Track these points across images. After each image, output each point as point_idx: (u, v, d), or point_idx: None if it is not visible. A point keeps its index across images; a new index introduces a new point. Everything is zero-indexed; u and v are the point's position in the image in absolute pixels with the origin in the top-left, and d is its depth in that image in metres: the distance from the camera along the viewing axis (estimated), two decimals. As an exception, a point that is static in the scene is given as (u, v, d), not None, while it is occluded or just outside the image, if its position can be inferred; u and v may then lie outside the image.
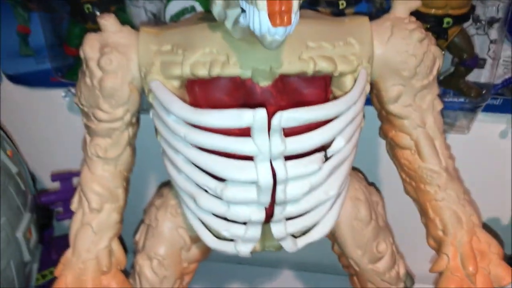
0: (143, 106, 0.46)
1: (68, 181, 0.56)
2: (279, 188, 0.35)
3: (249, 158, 0.35)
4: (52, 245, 0.58)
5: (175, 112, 0.36)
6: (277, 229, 0.38)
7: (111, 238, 0.43)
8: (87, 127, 0.42)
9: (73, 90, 0.56)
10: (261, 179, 0.34)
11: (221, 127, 0.34)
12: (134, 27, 0.40)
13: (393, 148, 0.44)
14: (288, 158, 0.35)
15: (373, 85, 0.41)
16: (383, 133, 0.44)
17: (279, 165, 0.35)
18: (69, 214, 0.55)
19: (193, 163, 0.37)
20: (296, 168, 0.35)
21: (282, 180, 0.35)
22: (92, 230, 0.42)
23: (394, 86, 0.40)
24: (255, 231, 0.38)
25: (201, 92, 0.40)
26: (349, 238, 0.45)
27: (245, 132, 0.35)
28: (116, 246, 0.43)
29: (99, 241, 0.42)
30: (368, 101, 0.41)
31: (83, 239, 0.42)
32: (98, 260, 0.42)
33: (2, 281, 0.42)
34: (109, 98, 0.39)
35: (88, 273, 0.42)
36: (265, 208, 0.37)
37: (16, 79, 0.57)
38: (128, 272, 0.46)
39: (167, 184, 0.47)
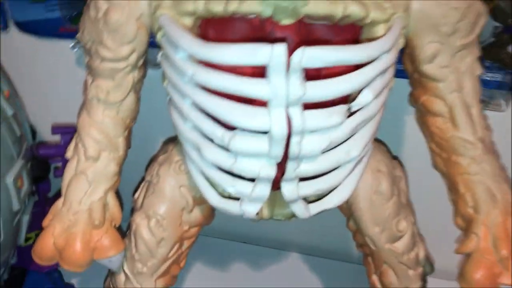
0: (151, 59, 0.43)
1: (69, 135, 0.52)
2: (293, 140, 0.31)
3: (262, 104, 0.31)
4: (47, 204, 0.55)
5: (184, 46, 0.32)
6: (288, 189, 0.34)
7: (107, 190, 0.39)
8: (88, 66, 0.38)
9: (82, 41, 0.53)
10: (274, 128, 0.30)
11: (232, 63, 0.30)
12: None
13: (423, 115, 0.39)
14: (306, 107, 0.31)
15: (407, 42, 0.37)
16: (413, 99, 0.40)
17: (295, 112, 0.30)
18: (68, 171, 0.52)
19: (200, 109, 0.34)
20: (315, 119, 0.31)
21: (298, 131, 0.31)
22: (86, 179, 0.38)
23: (431, 44, 0.36)
24: (264, 189, 0.34)
25: (214, 34, 0.36)
26: (367, 212, 0.41)
27: (259, 74, 0.31)
28: (112, 200, 0.40)
29: (93, 192, 0.38)
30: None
31: (76, 189, 0.38)
32: (90, 212, 0.38)
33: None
34: (113, 33, 0.35)
35: (78, 225, 0.38)
36: (277, 165, 0.33)
37: (25, 26, 0.54)
38: (124, 232, 0.42)
39: (172, 140, 0.44)
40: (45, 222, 0.39)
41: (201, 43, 0.31)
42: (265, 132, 0.32)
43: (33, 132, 0.53)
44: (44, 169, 0.49)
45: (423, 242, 0.44)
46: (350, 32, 0.35)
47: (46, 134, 0.56)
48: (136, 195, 0.43)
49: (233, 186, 0.34)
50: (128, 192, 0.47)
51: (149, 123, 0.50)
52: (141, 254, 0.41)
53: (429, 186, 0.46)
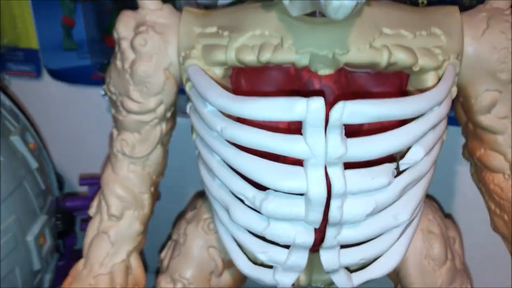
0: (181, 107, 0.40)
1: (97, 187, 0.50)
2: (334, 204, 0.28)
3: (298, 162, 0.28)
4: (73, 258, 0.52)
5: (212, 100, 0.29)
6: (327, 257, 0.30)
7: (130, 251, 0.36)
8: (115, 119, 0.36)
9: (113, 89, 0.52)
10: (312, 190, 0.27)
11: (265, 118, 0.27)
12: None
13: (480, 171, 0.35)
14: (348, 166, 0.28)
15: (459, 91, 0.33)
16: (468, 152, 0.36)
17: (336, 173, 0.27)
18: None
19: (229, 166, 0.31)
20: (358, 180, 0.27)
21: (338, 194, 0.27)
22: (108, 240, 0.36)
23: (488, 92, 0.32)
24: (300, 258, 0.30)
25: (247, 85, 0.33)
26: (417, 280, 0.36)
27: (295, 128, 0.28)
28: (135, 262, 0.37)
29: (116, 253, 0.36)
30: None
31: (98, 250, 0.36)
32: (112, 276, 0.35)
33: (5, 286, 0.36)
34: (140, 85, 0.33)
35: (99, 290, 0.35)
36: (315, 230, 0.29)
37: (57, 74, 0.54)
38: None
39: (202, 194, 0.41)
40: (64, 285, 0.36)
41: (231, 97, 0.29)
42: (302, 194, 0.28)
43: (60, 183, 0.51)
44: (69, 223, 0.47)
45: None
46: (396, 81, 0.32)
47: (74, 184, 0.54)
48: (163, 254, 0.40)
49: (264, 252, 0.31)
50: (155, 247, 0.44)
51: (179, 174, 0.47)
52: (167, 321, 0.37)
53: (487, 248, 0.41)
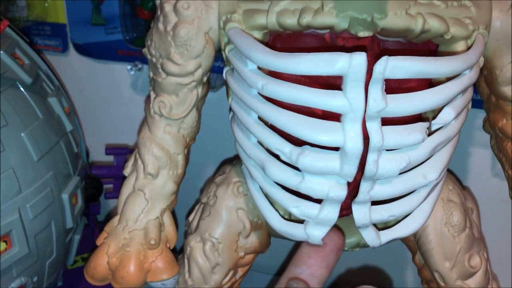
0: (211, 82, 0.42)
1: (123, 157, 0.52)
2: (370, 157, 0.29)
3: (335, 119, 0.29)
4: (96, 227, 0.54)
5: (255, 57, 0.31)
6: (359, 212, 0.32)
7: (164, 210, 0.38)
8: (153, 81, 0.37)
9: (139, 64, 0.53)
10: (349, 143, 0.28)
11: (307, 72, 0.29)
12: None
13: (501, 141, 0.37)
14: (384, 123, 0.29)
15: (484, 63, 0.35)
16: (490, 124, 0.38)
17: (374, 127, 0.28)
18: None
19: (266, 124, 0.32)
20: (395, 135, 0.29)
21: (376, 147, 0.29)
22: (144, 197, 0.37)
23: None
24: (332, 212, 0.31)
25: (283, 50, 0.35)
26: (437, 245, 0.38)
27: (333, 85, 0.29)
28: (168, 220, 0.38)
29: (150, 210, 0.37)
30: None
31: (133, 206, 0.37)
32: (146, 231, 0.37)
33: (40, 242, 0.37)
34: (181, 48, 0.35)
35: (133, 245, 0.36)
36: (348, 185, 0.31)
37: (83, 49, 0.55)
38: (177, 255, 0.41)
39: (229, 161, 0.42)
40: (99, 240, 0.37)
41: (274, 53, 0.30)
42: (337, 149, 0.30)
43: (86, 153, 0.52)
44: (98, 188, 0.48)
45: (496, 280, 0.41)
46: (426, 50, 0.34)
47: (98, 155, 0.56)
48: (191, 217, 0.41)
49: (297, 207, 0.32)
50: (181, 215, 0.45)
51: (203, 146, 0.49)
52: (194, 280, 0.39)
53: (501, 220, 0.43)
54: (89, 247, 0.52)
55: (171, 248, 0.38)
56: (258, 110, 0.32)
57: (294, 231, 0.34)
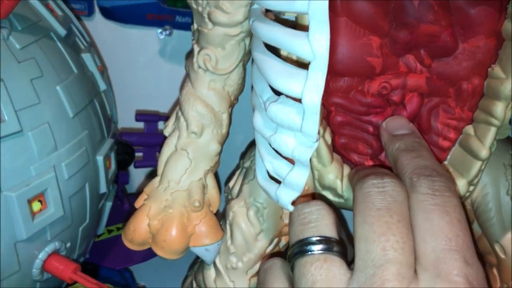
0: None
1: (154, 124, 0.49)
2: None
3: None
4: (125, 198, 0.51)
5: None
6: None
7: (207, 171, 0.35)
8: (197, 33, 0.35)
9: (169, 29, 0.51)
10: (306, 95, 0.24)
11: (273, 7, 0.27)
12: None
13: None
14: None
15: None
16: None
17: None
18: (150, 162, 0.49)
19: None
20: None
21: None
22: (187, 157, 0.35)
23: None
24: (300, 175, 0.27)
25: (342, -1, 0.32)
26: (498, 214, 0.35)
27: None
28: (212, 182, 0.36)
29: (194, 171, 0.35)
30: None
31: (176, 166, 0.35)
32: (189, 192, 0.34)
33: (74, 204, 0.35)
34: (231, -5, 0.32)
35: (175, 206, 0.34)
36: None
37: (110, 12, 0.53)
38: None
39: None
40: (139, 202, 0.35)
41: None
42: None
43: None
44: (130, 154, 0.46)
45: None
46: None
47: (127, 122, 0.53)
48: (231, 183, 0.39)
49: (271, 162, 0.29)
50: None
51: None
52: (237, 247, 0.36)
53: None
54: (116, 219, 0.50)
55: (214, 212, 0.36)
56: (254, 51, 0.29)
57: (269, 189, 0.30)
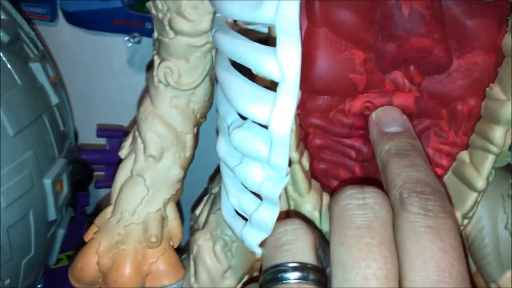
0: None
1: (117, 141, 0.45)
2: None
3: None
4: (85, 221, 0.47)
5: None
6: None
7: (167, 200, 0.31)
8: (158, 43, 0.31)
9: (138, 36, 0.47)
10: (273, 123, 0.20)
11: (235, 17, 0.22)
12: None
13: None
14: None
15: None
16: None
17: None
18: (112, 182, 0.45)
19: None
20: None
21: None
22: (143, 184, 0.30)
23: None
24: (268, 214, 0.23)
25: (321, 7, 0.28)
26: (495, 251, 0.32)
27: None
28: (172, 213, 0.31)
29: (151, 200, 0.30)
30: None
31: (130, 195, 0.30)
32: (145, 226, 0.30)
33: (14, 236, 0.30)
34: (195, 0, 0.28)
35: (129, 242, 0.30)
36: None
37: (75, 18, 0.49)
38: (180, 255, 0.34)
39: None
40: (88, 235, 0.31)
41: None
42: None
43: (75, 134, 0.46)
44: (87, 174, 0.41)
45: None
46: (496, 10, 0.28)
47: (89, 138, 0.49)
48: (198, 210, 0.35)
49: (236, 197, 0.25)
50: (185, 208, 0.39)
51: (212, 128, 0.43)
52: (202, 285, 0.32)
53: None
54: (75, 243, 0.45)
55: (175, 247, 0.32)
56: (217, 67, 0.25)
57: (235, 227, 0.25)
